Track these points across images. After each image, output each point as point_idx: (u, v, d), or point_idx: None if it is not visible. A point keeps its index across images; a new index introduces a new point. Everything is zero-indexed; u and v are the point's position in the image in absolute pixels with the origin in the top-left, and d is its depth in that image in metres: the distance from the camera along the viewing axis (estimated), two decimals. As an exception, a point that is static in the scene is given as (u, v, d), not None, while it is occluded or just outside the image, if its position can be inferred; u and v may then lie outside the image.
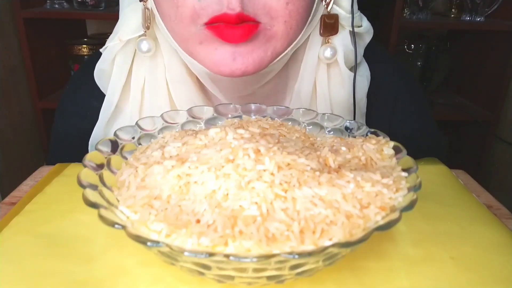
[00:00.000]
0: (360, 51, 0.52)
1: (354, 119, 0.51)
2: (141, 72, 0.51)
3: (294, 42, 0.45)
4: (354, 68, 0.50)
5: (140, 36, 0.49)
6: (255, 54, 0.42)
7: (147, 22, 0.47)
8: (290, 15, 0.41)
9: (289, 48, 0.45)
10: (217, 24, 0.40)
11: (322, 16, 0.47)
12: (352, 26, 0.49)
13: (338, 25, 0.48)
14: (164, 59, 0.50)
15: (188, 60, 0.46)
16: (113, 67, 0.51)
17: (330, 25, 0.48)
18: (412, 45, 1.43)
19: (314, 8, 0.45)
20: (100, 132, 0.51)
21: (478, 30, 1.36)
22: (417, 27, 1.46)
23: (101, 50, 0.51)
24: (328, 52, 0.48)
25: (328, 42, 0.49)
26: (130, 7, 0.49)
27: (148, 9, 0.47)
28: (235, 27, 0.39)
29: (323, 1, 0.47)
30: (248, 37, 0.40)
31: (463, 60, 1.48)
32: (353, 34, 0.49)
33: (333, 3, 0.47)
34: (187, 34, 0.42)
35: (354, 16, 0.48)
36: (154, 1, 0.45)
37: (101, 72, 0.51)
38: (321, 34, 0.48)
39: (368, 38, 0.53)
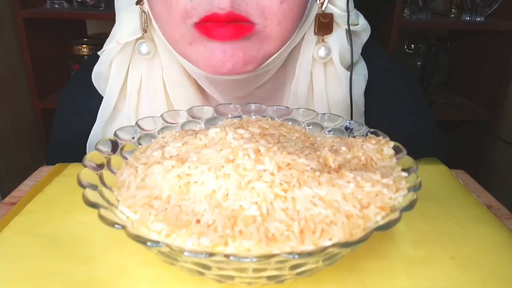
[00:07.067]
0: (357, 50, 0.52)
1: (352, 118, 0.51)
2: (138, 73, 0.51)
3: (288, 43, 0.44)
4: (350, 67, 0.50)
5: (137, 38, 0.49)
6: (245, 51, 0.41)
7: (145, 25, 0.47)
8: (284, 15, 0.41)
9: (282, 49, 0.44)
10: (206, 23, 0.39)
11: (317, 15, 0.47)
12: (348, 24, 0.48)
13: (333, 24, 0.48)
14: (162, 61, 0.50)
15: (184, 62, 0.46)
16: (110, 70, 0.51)
17: (324, 24, 0.47)
18: (412, 45, 1.43)
19: (308, 7, 0.45)
20: (98, 133, 0.51)
21: (478, 30, 1.36)
22: (417, 27, 1.46)
23: (99, 53, 0.52)
24: (322, 52, 0.48)
25: (323, 41, 0.49)
26: (126, 10, 0.49)
27: (145, 12, 0.47)
28: (225, 26, 0.39)
29: (317, 0, 0.47)
30: (240, 36, 0.40)
31: (463, 60, 1.48)
32: (349, 32, 0.49)
33: (328, 2, 0.47)
34: (177, 36, 0.42)
35: (350, 14, 0.48)
36: (148, 3, 0.45)
37: (98, 75, 0.51)
38: (315, 33, 0.48)
39: (365, 36, 0.53)
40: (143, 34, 0.48)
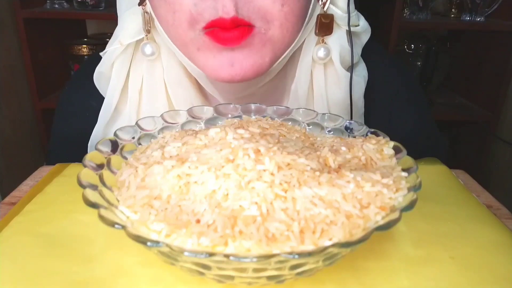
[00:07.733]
0: (358, 51, 0.52)
1: (351, 119, 0.51)
2: (139, 74, 0.51)
3: (292, 45, 0.45)
4: (350, 68, 0.50)
5: (139, 39, 0.49)
6: (252, 59, 0.42)
7: (147, 25, 0.47)
8: (286, 17, 0.41)
9: (287, 51, 0.44)
10: (213, 29, 0.40)
11: (318, 15, 0.47)
12: (349, 25, 0.48)
13: (333, 25, 0.48)
14: (163, 62, 0.50)
15: (186, 63, 0.46)
16: (112, 70, 0.51)
17: (325, 25, 0.48)
18: (412, 45, 1.43)
19: (310, 9, 0.45)
20: (99, 133, 0.51)
21: (478, 30, 1.36)
22: (417, 27, 1.46)
23: (101, 54, 0.52)
24: (321, 52, 0.48)
25: (323, 42, 0.49)
26: (129, 11, 0.49)
27: (147, 13, 0.47)
28: (230, 31, 0.39)
29: (320, 1, 0.47)
30: (243, 39, 0.40)
31: (463, 60, 1.48)
32: (349, 33, 0.49)
33: (330, 2, 0.47)
34: (186, 39, 0.42)
35: (351, 15, 0.48)
36: (151, 6, 0.45)
37: (100, 75, 0.51)
38: (316, 34, 0.48)
39: (365, 37, 0.53)
40: (147, 35, 0.48)
